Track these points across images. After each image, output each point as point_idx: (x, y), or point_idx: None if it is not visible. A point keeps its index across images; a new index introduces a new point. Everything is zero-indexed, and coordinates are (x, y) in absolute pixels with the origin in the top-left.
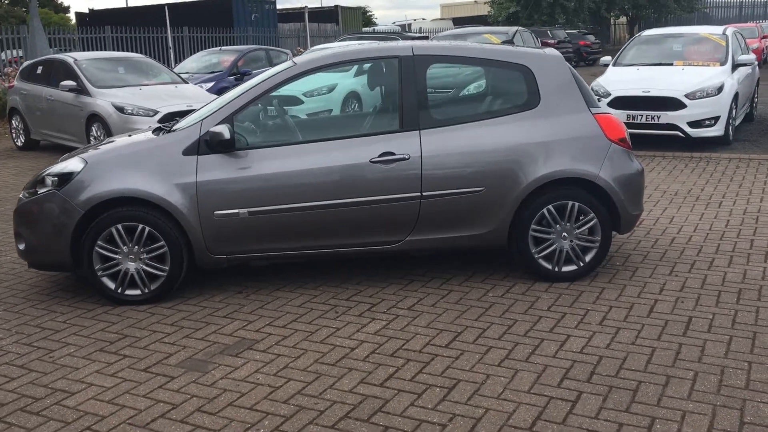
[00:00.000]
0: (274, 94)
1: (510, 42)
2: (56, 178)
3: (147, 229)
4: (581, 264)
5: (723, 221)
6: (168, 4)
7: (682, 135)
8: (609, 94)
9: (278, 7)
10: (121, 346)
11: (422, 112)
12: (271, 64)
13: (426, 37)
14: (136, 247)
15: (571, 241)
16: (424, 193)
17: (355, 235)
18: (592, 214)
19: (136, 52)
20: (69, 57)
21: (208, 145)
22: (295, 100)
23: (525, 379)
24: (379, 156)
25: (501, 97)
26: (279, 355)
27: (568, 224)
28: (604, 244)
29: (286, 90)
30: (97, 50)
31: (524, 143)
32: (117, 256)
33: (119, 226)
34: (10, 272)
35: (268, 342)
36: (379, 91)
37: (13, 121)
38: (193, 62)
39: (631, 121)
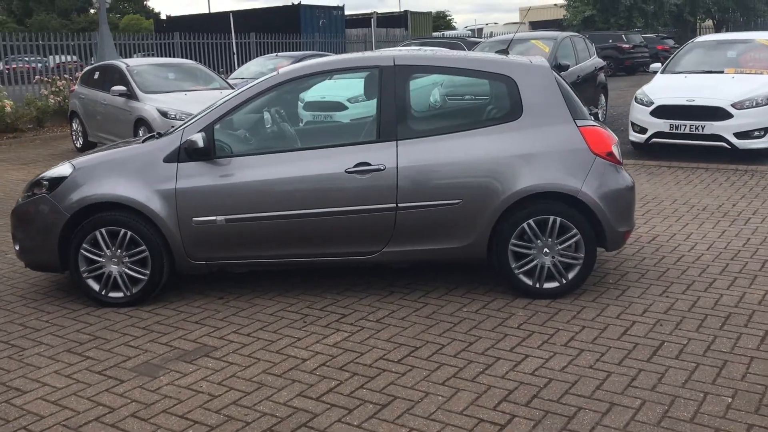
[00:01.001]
0: (265, 98)
1: (505, 51)
2: (48, 182)
3: (129, 233)
4: (563, 281)
5: (742, 240)
6: (234, 12)
7: (728, 146)
8: (652, 103)
9: (347, 13)
10: (88, 348)
11: (400, 123)
12: None
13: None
14: (119, 250)
15: (553, 257)
16: (399, 205)
17: (331, 245)
18: (575, 230)
19: (202, 57)
20: (122, 63)
21: (186, 152)
22: (340, 106)
23: (462, 400)
24: (355, 166)
25: (482, 108)
26: (231, 363)
27: (550, 240)
28: (588, 262)
29: (331, 96)
30: (167, 56)
31: (504, 156)
32: (101, 259)
33: (103, 230)
34: (15, 270)
35: (227, 350)
36: (359, 100)
37: (73, 124)
38: (249, 68)
39: (674, 131)
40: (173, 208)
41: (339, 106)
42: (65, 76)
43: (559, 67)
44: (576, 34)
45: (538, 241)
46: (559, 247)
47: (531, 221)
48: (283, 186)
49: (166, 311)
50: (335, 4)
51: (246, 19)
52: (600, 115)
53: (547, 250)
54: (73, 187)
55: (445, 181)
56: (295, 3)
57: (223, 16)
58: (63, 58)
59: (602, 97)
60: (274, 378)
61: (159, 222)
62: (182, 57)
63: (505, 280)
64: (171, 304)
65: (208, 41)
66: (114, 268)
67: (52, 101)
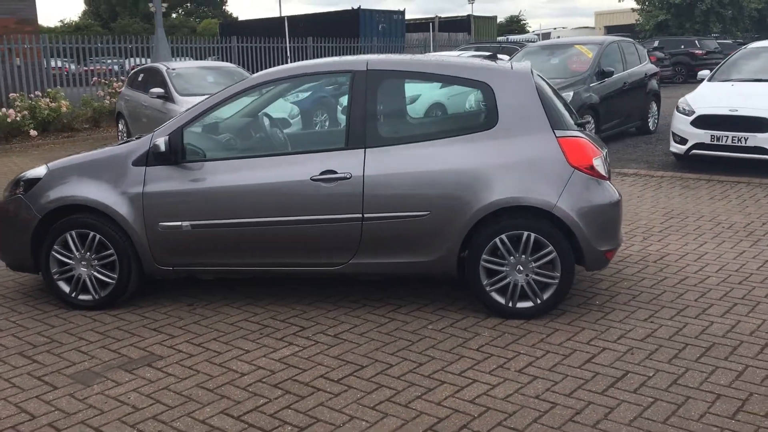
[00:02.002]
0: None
1: (493, 57)
2: (24, 183)
3: (98, 236)
4: (538, 301)
5: (758, 262)
6: (291, 16)
7: None
8: (693, 112)
9: (410, 17)
10: (39, 351)
11: (370, 130)
12: None
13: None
14: (88, 253)
15: (527, 275)
16: (365, 215)
17: (296, 254)
18: (551, 248)
19: (258, 61)
20: (163, 66)
21: (153, 156)
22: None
23: (386, 427)
24: (321, 174)
25: (456, 116)
26: (169, 374)
27: (524, 257)
28: (565, 281)
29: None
30: (224, 59)
31: (475, 166)
32: (71, 262)
33: (73, 233)
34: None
35: (171, 360)
36: (330, 106)
37: (119, 125)
38: None
39: (715, 142)
40: (140, 213)
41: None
42: (122, 78)
43: (602, 74)
44: (626, 38)
45: (511, 257)
46: (534, 265)
47: (503, 236)
48: (249, 193)
49: (131, 316)
50: (397, 8)
51: (305, 23)
52: (652, 125)
53: (521, 268)
54: (46, 188)
55: (413, 191)
56: (356, 8)
57: (281, 20)
58: (139, 60)
59: (653, 105)
60: (205, 393)
61: (126, 226)
62: (238, 61)
63: (475, 298)
64: (139, 309)
65: (264, 45)
66: (83, 271)
67: (107, 102)
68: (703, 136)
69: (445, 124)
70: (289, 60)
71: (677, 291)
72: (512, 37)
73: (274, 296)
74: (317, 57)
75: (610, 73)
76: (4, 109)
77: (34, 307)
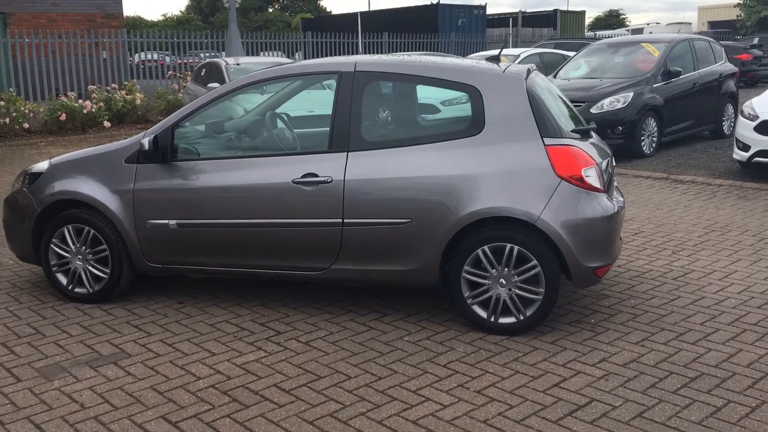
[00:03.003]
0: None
1: (496, 59)
2: (29, 177)
3: (92, 232)
4: (521, 317)
5: None
6: (367, 12)
7: None
8: (756, 117)
9: (492, 11)
10: (21, 342)
11: (354, 133)
12: None
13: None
14: (84, 247)
15: (510, 289)
16: (345, 220)
17: (278, 257)
18: (535, 262)
19: (311, 56)
20: (222, 61)
21: (141, 155)
22: (432, 109)
23: None
24: (302, 177)
25: (442, 120)
26: (129, 374)
27: (506, 270)
28: (550, 298)
29: (425, 98)
30: (307, 55)
31: (459, 174)
32: (68, 255)
33: (69, 227)
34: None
35: (138, 358)
36: (316, 108)
37: None
38: None
39: None
40: (130, 210)
41: (432, 109)
42: None
43: (668, 74)
44: (701, 37)
45: (494, 270)
46: (517, 279)
47: (486, 248)
48: (233, 193)
49: (120, 311)
50: (477, 3)
51: (384, 19)
52: (727, 128)
53: (504, 281)
54: (47, 183)
55: (395, 197)
56: (434, 2)
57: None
58: (273, 54)
59: (729, 107)
60: (154, 395)
61: (117, 222)
62: (316, 56)
63: (459, 311)
64: (130, 304)
65: (338, 40)
66: (79, 265)
67: (181, 95)
68: (766, 143)
69: (431, 129)
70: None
71: (685, 312)
72: (602, 33)
73: (263, 298)
74: (392, 52)
75: (678, 74)
76: (81, 101)
77: (35, 298)
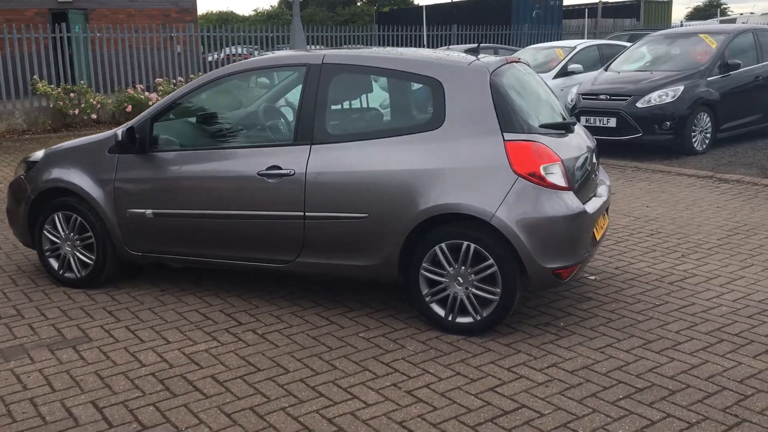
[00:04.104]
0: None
1: (474, 51)
2: (27, 164)
3: (79, 219)
4: (477, 317)
5: None
6: (435, 5)
7: None
8: None
9: (571, 2)
10: None
11: (318, 125)
12: None
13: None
14: (72, 234)
15: (467, 288)
16: (307, 214)
17: (245, 249)
18: (491, 261)
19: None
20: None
21: (117, 145)
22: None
23: None
24: (267, 169)
25: (404, 114)
26: (80, 358)
27: (463, 268)
28: (507, 298)
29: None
30: (361, 46)
31: (416, 169)
32: (59, 241)
33: (59, 214)
34: None
35: (97, 343)
36: (285, 100)
37: None
38: None
39: None
40: (112, 198)
41: None
42: None
43: (726, 66)
44: (766, 27)
45: (451, 268)
46: (473, 278)
47: (443, 245)
48: (203, 184)
49: (102, 297)
50: None
51: (456, 10)
52: None
53: (461, 280)
54: (41, 171)
55: (353, 192)
56: None
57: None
58: (311, 47)
59: None
60: (95, 380)
61: (100, 211)
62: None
63: (417, 309)
64: (114, 290)
65: (403, 33)
66: (68, 251)
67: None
68: None
69: (392, 122)
70: (425, 47)
71: (665, 319)
72: (691, 23)
73: (241, 289)
74: (461, 44)
75: (737, 66)
76: (147, 93)
77: (32, 281)
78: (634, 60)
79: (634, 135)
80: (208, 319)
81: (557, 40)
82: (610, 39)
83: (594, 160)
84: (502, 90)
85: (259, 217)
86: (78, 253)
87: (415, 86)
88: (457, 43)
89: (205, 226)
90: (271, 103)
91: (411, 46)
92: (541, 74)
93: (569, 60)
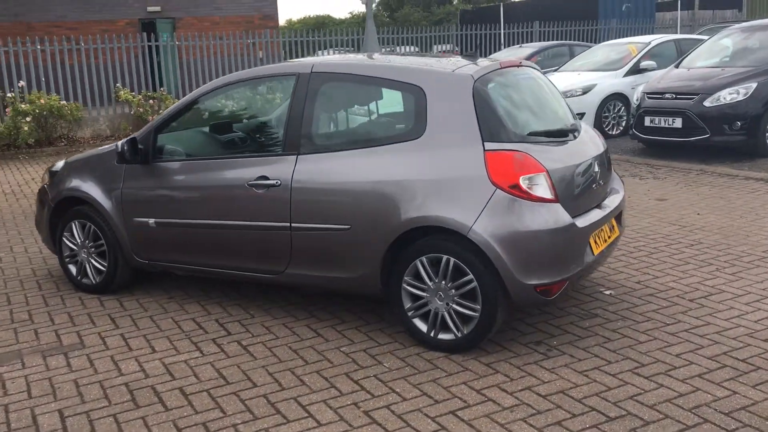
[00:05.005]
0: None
1: (471, 56)
2: (49, 174)
3: (92, 227)
4: (459, 334)
5: None
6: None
7: None
8: None
9: None
10: (8, 328)
11: (305, 135)
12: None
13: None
14: (87, 242)
15: (448, 304)
16: (293, 225)
17: (239, 259)
18: (471, 276)
19: (471, 48)
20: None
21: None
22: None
23: None
24: (256, 179)
25: (388, 123)
26: (66, 366)
27: (443, 283)
28: (488, 314)
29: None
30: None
31: (396, 180)
32: (75, 248)
33: (76, 222)
34: None
35: (88, 351)
36: (277, 110)
37: None
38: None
39: None
40: (120, 207)
41: None
42: None
43: None
44: None
45: (431, 283)
46: (454, 293)
47: (424, 258)
48: (197, 194)
49: (111, 303)
50: None
51: (541, 7)
52: None
53: (442, 295)
54: (60, 180)
55: (335, 203)
56: None
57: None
58: (406, 48)
59: None
60: (71, 388)
61: (109, 219)
62: (465, 48)
63: (401, 323)
64: (127, 296)
65: (481, 32)
66: (84, 257)
67: None
68: None
69: (377, 132)
70: (503, 46)
71: (670, 341)
72: None
73: (244, 298)
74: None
75: None
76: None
77: (55, 286)
78: (709, 56)
79: (702, 136)
80: (200, 328)
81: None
82: (699, 33)
83: (598, 169)
84: (486, 98)
85: (249, 227)
86: (93, 260)
87: (400, 94)
88: (539, 40)
89: (201, 236)
90: (264, 113)
91: (488, 44)
92: (611, 72)
93: (642, 56)
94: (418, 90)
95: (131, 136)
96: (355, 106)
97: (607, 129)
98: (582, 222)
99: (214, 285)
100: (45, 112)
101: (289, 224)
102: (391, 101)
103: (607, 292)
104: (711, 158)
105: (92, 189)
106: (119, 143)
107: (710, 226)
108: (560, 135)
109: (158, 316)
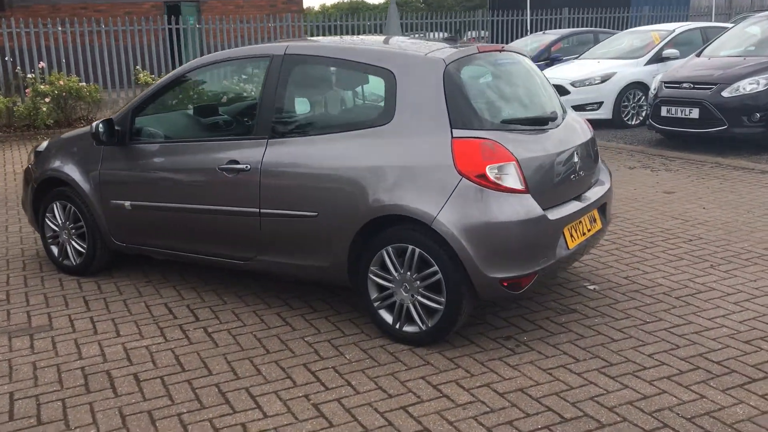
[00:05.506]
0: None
1: (452, 40)
2: (34, 154)
3: (73, 208)
4: (423, 327)
5: None
6: None
7: None
8: None
9: None
10: None
11: (276, 119)
12: None
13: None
14: (68, 222)
15: (413, 295)
16: (262, 210)
17: (210, 244)
18: (436, 267)
19: (499, 35)
20: None
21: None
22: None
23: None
24: (227, 163)
25: (358, 108)
26: (29, 347)
27: (408, 274)
28: (453, 307)
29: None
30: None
31: (363, 166)
32: (57, 229)
33: (57, 203)
34: None
35: (55, 333)
36: (251, 92)
37: None
38: (511, 47)
39: None
40: (98, 189)
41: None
42: None
43: None
44: None
45: (397, 273)
46: (419, 285)
47: (390, 248)
48: (170, 176)
49: (89, 285)
50: None
51: None
52: None
53: (407, 286)
54: (43, 161)
55: (302, 189)
56: None
57: None
58: (439, 34)
59: None
60: (28, 371)
61: (88, 201)
62: (483, 32)
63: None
64: (107, 278)
65: (507, 18)
66: (65, 238)
67: None
68: None
69: (347, 117)
70: (528, 32)
71: (645, 339)
72: None
73: (221, 284)
74: (572, 27)
75: None
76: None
77: (40, 267)
78: (734, 44)
79: (719, 128)
80: (170, 313)
81: (685, 20)
82: (733, 21)
83: (579, 159)
84: (458, 83)
85: (219, 212)
86: (73, 242)
87: (371, 78)
88: (569, 27)
89: (175, 220)
90: (238, 96)
91: (513, 29)
92: (632, 60)
93: (665, 44)
94: (388, 74)
95: (108, 117)
96: (327, 90)
97: (626, 119)
98: (555, 214)
99: (193, 270)
100: (64, 93)
101: (258, 210)
102: (363, 85)
103: (591, 287)
104: (729, 150)
105: (72, 170)
106: (94, 124)
107: (714, 220)
108: (539, 123)
109: (132, 300)
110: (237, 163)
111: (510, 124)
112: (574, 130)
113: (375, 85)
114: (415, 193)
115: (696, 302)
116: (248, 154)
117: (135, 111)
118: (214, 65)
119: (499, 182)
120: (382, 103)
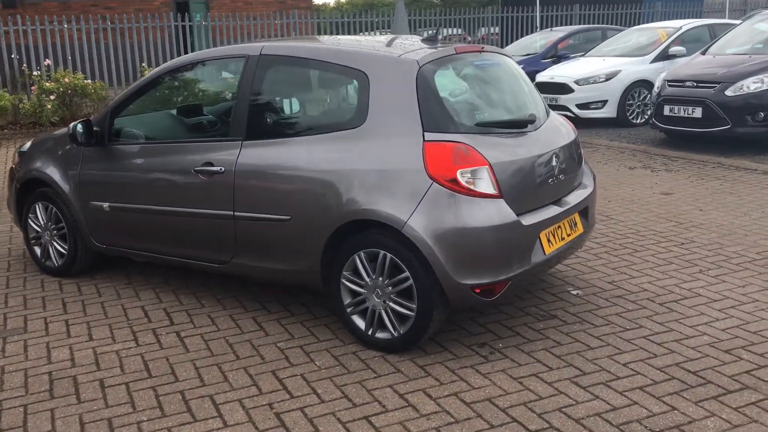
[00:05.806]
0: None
1: (431, 40)
2: (18, 154)
3: (54, 209)
4: (395, 333)
5: None
6: None
7: None
8: None
9: None
10: None
11: (251, 121)
12: None
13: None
14: (50, 224)
15: (384, 301)
16: (236, 213)
17: (186, 246)
18: (407, 273)
19: (508, 30)
20: None
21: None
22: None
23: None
24: (202, 165)
25: (332, 110)
26: (1, 351)
27: (380, 279)
28: (424, 314)
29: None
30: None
31: (335, 170)
32: (39, 230)
33: (39, 204)
34: None
35: (29, 336)
36: (227, 93)
37: None
38: (518, 44)
39: None
40: (77, 190)
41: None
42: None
43: None
44: None
45: (369, 279)
46: (390, 290)
47: (362, 253)
48: (148, 178)
49: (70, 287)
50: None
51: None
52: None
53: (379, 292)
54: (25, 161)
55: (275, 192)
56: None
57: None
58: (450, 31)
59: None
60: None
61: (68, 202)
62: (493, 28)
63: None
64: (89, 280)
65: (517, 14)
66: (47, 240)
67: None
68: None
69: (320, 119)
70: (538, 29)
71: (623, 348)
72: None
73: (202, 287)
74: (582, 24)
75: None
76: None
77: (24, 268)
78: (740, 42)
79: (722, 127)
80: (146, 317)
81: (698, 17)
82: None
83: (559, 162)
84: (431, 85)
85: (196, 215)
86: (55, 243)
87: (344, 80)
88: (579, 23)
89: (152, 222)
90: (216, 97)
91: (526, 28)
92: (638, 58)
93: (672, 42)
94: (361, 75)
95: (86, 118)
96: (301, 91)
97: (630, 117)
98: (530, 219)
99: (175, 272)
100: (69, 91)
101: (232, 213)
102: (337, 87)
103: (574, 292)
104: (732, 150)
105: (53, 171)
106: (72, 125)
107: (709, 223)
108: (517, 125)
109: (109, 302)
110: (212, 165)
111: (486, 127)
112: (557, 132)
113: (349, 87)
114: (386, 198)
115: (680, 308)
116: (223, 156)
117: (114, 112)
118: (192, 65)
119: (471, 187)
120: (356, 105)
